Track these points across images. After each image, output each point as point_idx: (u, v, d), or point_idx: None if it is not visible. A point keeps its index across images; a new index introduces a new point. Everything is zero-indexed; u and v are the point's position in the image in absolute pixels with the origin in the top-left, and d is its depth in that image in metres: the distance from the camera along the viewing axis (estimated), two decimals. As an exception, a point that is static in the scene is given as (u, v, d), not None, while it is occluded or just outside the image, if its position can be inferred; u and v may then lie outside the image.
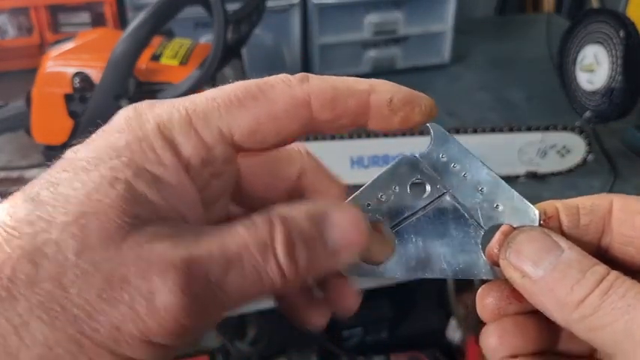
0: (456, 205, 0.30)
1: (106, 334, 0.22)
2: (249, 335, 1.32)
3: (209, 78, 0.79)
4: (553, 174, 0.91)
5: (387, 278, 0.29)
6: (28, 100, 0.80)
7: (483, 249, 0.29)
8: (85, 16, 1.21)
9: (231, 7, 0.82)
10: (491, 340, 0.30)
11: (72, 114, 0.78)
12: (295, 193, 0.30)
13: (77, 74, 0.77)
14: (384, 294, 1.36)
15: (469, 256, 0.30)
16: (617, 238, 0.29)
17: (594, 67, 0.94)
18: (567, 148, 0.89)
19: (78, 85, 0.77)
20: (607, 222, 0.29)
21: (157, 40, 0.83)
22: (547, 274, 0.27)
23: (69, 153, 0.26)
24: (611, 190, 0.91)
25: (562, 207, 0.30)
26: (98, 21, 1.20)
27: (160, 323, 0.22)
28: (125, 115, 0.26)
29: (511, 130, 0.87)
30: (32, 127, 0.81)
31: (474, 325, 1.18)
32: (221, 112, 0.26)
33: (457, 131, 0.87)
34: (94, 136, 0.26)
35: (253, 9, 0.87)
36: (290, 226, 0.25)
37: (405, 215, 0.30)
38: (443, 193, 0.30)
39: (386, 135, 0.85)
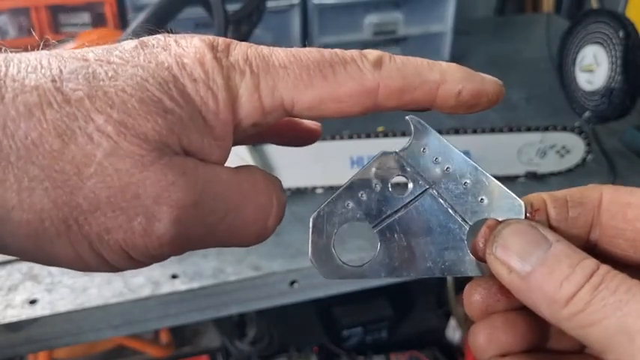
0: (440, 200, 0.29)
1: (96, 231, 0.23)
2: (249, 335, 1.32)
3: (209, 78, 0.79)
4: (553, 174, 0.91)
5: (371, 279, 0.28)
6: (29, 100, 0.80)
7: (469, 245, 0.29)
8: (85, 17, 1.21)
9: (231, 7, 0.82)
10: (480, 338, 0.29)
11: (72, 114, 0.78)
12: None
13: (77, 74, 0.77)
14: (384, 294, 1.36)
15: (455, 253, 0.29)
16: (607, 231, 0.28)
17: (594, 68, 0.95)
18: (567, 148, 0.89)
19: (78, 85, 0.77)
20: (596, 214, 0.28)
21: (157, 41, 0.84)
22: (535, 270, 0.25)
23: (136, 44, 0.26)
24: (610, 190, 0.91)
25: (550, 199, 0.29)
26: (98, 21, 1.20)
27: (147, 245, 0.23)
28: (208, 43, 0.26)
29: (511, 130, 0.87)
30: (32, 127, 0.81)
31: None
32: (289, 85, 0.26)
33: (457, 131, 0.87)
34: (168, 40, 0.26)
35: (253, 9, 0.87)
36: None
37: (388, 213, 0.29)
38: (425, 189, 0.29)
39: (386, 135, 0.85)
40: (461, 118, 1.09)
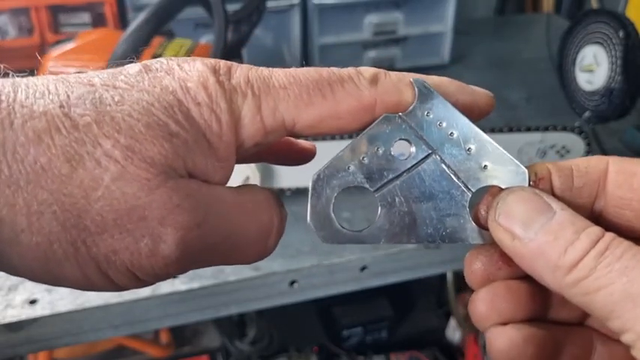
0: (443, 166, 0.28)
1: (103, 252, 0.23)
2: (249, 335, 1.32)
3: (209, 78, 0.79)
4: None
5: (370, 244, 0.28)
6: (29, 101, 0.80)
7: (471, 212, 0.28)
8: (85, 17, 1.21)
9: (231, 7, 0.82)
10: (481, 305, 0.29)
11: (72, 114, 0.78)
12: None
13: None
14: (383, 294, 1.36)
15: (456, 220, 0.28)
16: (612, 201, 0.28)
17: (594, 68, 0.95)
18: (567, 148, 0.89)
19: (78, 85, 0.77)
20: (602, 184, 0.28)
21: (157, 41, 0.84)
22: (538, 236, 0.25)
23: (140, 68, 0.26)
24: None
25: (554, 168, 0.28)
26: (98, 21, 1.20)
27: (153, 266, 0.24)
28: (210, 67, 0.26)
29: (511, 130, 0.88)
30: (32, 127, 0.81)
31: (474, 325, 1.18)
32: (289, 105, 0.27)
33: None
34: (171, 64, 0.26)
35: (253, 9, 0.87)
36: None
37: (389, 178, 0.28)
38: (428, 154, 0.28)
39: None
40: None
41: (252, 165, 0.81)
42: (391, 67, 1.27)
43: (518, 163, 0.28)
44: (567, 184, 0.28)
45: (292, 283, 0.77)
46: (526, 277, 0.27)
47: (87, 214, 0.23)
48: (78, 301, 0.72)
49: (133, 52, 0.75)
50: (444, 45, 1.26)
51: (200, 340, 1.42)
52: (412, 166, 0.28)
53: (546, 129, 0.88)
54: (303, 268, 0.76)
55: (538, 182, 0.28)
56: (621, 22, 0.90)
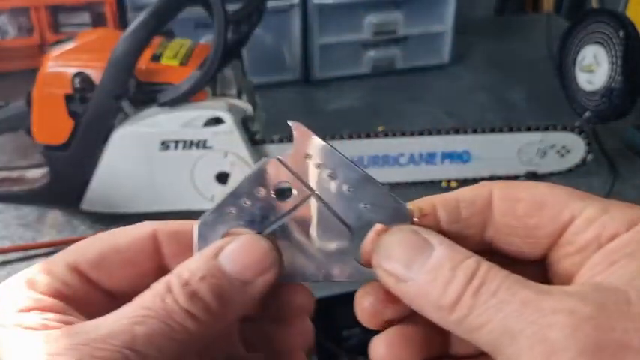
0: (323, 207, 0.28)
1: None
2: (249, 335, 1.32)
3: (209, 78, 0.79)
4: (553, 174, 0.91)
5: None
6: (29, 101, 0.80)
7: (355, 251, 0.28)
8: (85, 17, 1.21)
9: (231, 7, 0.82)
10: (380, 352, 0.29)
11: (72, 114, 0.78)
12: None
13: (77, 74, 0.77)
14: (383, 294, 1.36)
15: (341, 259, 0.29)
16: (500, 229, 0.28)
17: (594, 68, 0.94)
18: (567, 148, 0.89)
19: (78, 85, 0.77)
20: (488, 213, 0.28)
21: (157, 41, 0.83)
22: (419, 276, 0.25)
23: None
24: (611, 191, 0.91)
25: (440, 202, 0.28)
26: (98, 21, 1.20)
27: None
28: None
29: (511, 130, 0.87)
30: (32, 127, 0.81)
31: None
32: (69, 251, 0.28)
33: (457, 131, 0.87)
34: None
35: (253, 9, 0.87)
36: (185, 273, 0.26)
37: (271, 220, 0.28)
38: (308, 195, 0.28)
39: (386, 135, 0.85)
40: (461, 118, 1.09)
41: (252, 165, 0.81)
42: (391, 68, 1.27)
43: (400, 201, 0.28)
44: (454, 217, 0.28)
45: (292, 283, 0.77)
46: (419, 316, 0.27)
47: None
48: (78, 301, 0.72)
49: (134, 52, 0.75)
50: (444, 45, 1.26)
51: None
52: (293, 208, 0.28)
53: (546, 129, 0.88)
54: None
55: (423, 219, 0.28)
56: (621, 22, 0.89)
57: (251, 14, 0.86)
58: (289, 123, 0.28)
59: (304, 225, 0.29)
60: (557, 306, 0.23)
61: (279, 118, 1.00)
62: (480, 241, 0.28)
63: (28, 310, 0.26)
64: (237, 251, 0.27)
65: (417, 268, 0.25)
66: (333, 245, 0.28)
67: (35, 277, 0.28)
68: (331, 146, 0.28)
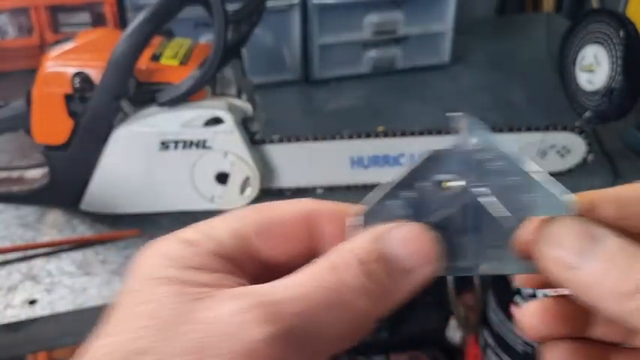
0: (486, 198, 0.28)
1: None
2: (249, 335, 1.32)
3: (209, 78, 0.79)
4: (553, 174, 0.90)
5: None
6: (28, 100, 0.80)
7: (515, 243, 0.28)
8: (85, 16, 1.21)
9: (231, 7, 0.82)
10: (532, 320, 0.30)
11: (72, 114, 0.78)
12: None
13: (77, 74, 0.77)
14: (384, 294, 1.36)
15: (501, 251, 0.28)
16: None
17: (594, 68, 0.94)
18: (567, 148, 0.89)
19: (78, 85, 0.77)
20: None
21: (157, 40, 0.83)
22: (593, 264, 0.25)
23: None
24: (611, 190, 0.91)
25: (602, 198, 0.28)
26: (98, 21, 1.20)
27: None
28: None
29: (511, 130, 0.87)
30: (32, 127, 0.81)
31: (474, 325, 1.18)
32: (230, 217, 0.28)
33: (457, 131, 0.87)
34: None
35: (253, 9, 0.87)
36: (359, 252, 0.26)
37: (435, 212, 0.28)
38: (472, 186, 0.28)
39: (386, 135, 0.85)
40: (461, 118, 1.09)
41: (252, 165, 0.81)
42: (391, 67, 1.27)
43: (566, 192, 0.28)
44: (615, 213, 0.28)
45: (292, 283, 0.77)
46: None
47: None
48: (78, 301, 0.72)
49: (133, 51, 0.75)
50: (444, 45, 1.26)
51: None
52: (456, 200, 0.28)
53: (547, 129, 0.87)
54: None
55: (585, 213, 0.28)
56: (622, 21, 0.89)
57: (251, 14, 0.86)
58: (453, 115, 0.28)
59: (464, 217, 0.28)
60: None
61: (279, 118, 1.00)
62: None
63: (194, 267, 0.26)
64: (408, 237, 0.27)
65: (590, 256, 0.25)
66: (493, 237, 0.28)
67: (197, 238, 0.27)
68: (496, 137, 0.28)
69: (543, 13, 1.53)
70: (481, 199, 0.28)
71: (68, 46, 0.81)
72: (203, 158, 0.80)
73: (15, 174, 0.90)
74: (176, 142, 0.79)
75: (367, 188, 0.86)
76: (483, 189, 0.28)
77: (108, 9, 1.18)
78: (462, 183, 0.28)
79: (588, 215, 0.28)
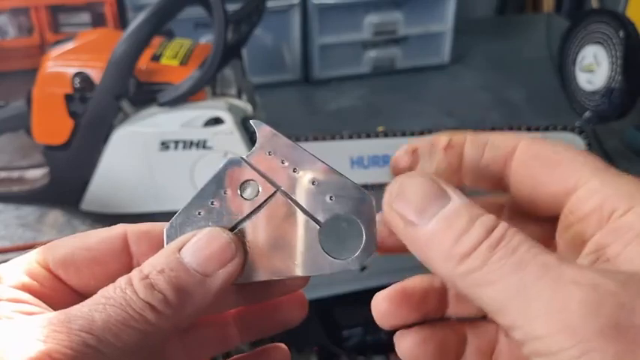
0: (289, 202, 0.29)
1: None
2: (249, 335, 1.32)
3: (209, 78, 0.79)
4: (553, 174, 0.91)
5: (237, 284, 0.29)
6: (29, 100, 0.80)
7: (322, 244, 0.29)
8: (85, 16, 1.21)
9: (231, 7, 0.82)
10: (381, 306, 0.30)
11: (72, 114, 0.78)
12: None
13: (77, 74, 0.77)
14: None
15: (311, 253, 0.29)
16: (517, 180, 0.28)
17: (594, 68, 0.94)
18: (567, 148, 0.89)
19: (78, 85, 0.77)
20: (509, 162, 0.28)
21: (157, 41, 0.83)
22: (432, 223, 0.24)
23: None
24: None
25: (470, 139, 0.28)
26: (98, 21, 1.20)
27: None
28: None
29: (511, 130, 0.87)
30: (32, 127, 0.81)
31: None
32: (40, 250, 0.30)
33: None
34: None
35: (253, 9, 0.87)
36: (145, 268, 0.27)
37: (239, 219, 0.29)
38: (274, 192, 0.29)
39: (386, 134, 0.85)
40: (461, 118, 1.09)
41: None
42: (391, 67, 1.27)
43: (364, 190, 0.29)
44: (477, 155, 0.28)
45: (292, 283, 0.77)
46: (419, 277, 0.27)
47: None
48: (78, 301, 0.72)
49: (134, 51, 0.75)
50: (444, 45, 1.26)
51: None
52: (259, 206, 0.29)
53: (546, 129, 0.87)
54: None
55: (449, 149, 0.28)
56: (621, 22, 0.89)
57: (251, 14, 0.86)
58: (251, 122, 0.29)
59: (272, 221, 0.29)
60: (580, 278, 0.22)
61: (279, 118, 1.00)
62: (495, 188, 0.29)
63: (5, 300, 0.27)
64: (198, 244, 0.27)
65: (430, 215, 0.25)
66: (301, 239, 0.29)
67: (4, 272, 0.29)
68: (294, 142, 0.29)
69: (543, 13, 1.53)
70: (282, 203, 0.29)
71: (68, 46, 0.81)
72: (203, 158, 0.80)
73: (15, 174, 0.90)
74: (176, 142, 0.80)
75: (367, 188, 0.86)
76: (285, 193, 0.29)
77: (108, 9, 1.18)
78: (261, 189, 0.29)
79: (454, 153, 0.28)
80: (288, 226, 0.29)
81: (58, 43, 0.83)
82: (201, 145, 0.80)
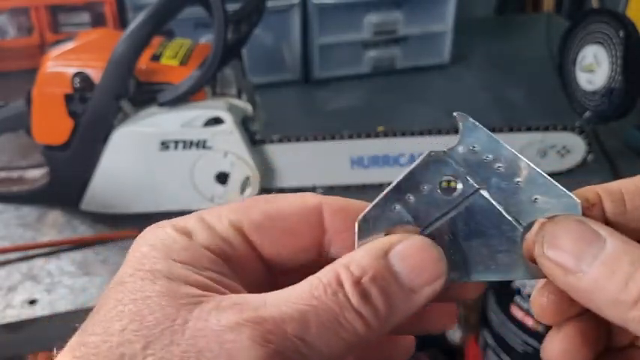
0: (491, 201, 0.27)
1: None
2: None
3: (209, 78, 0.79)
4: (553, 174, 0.90)
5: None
6: (28, 100, 0.80)
7: (522, 247, 0.27)
8: (85, 16, 1.21)
9: (231, 7, 0.82)
10: (557, 347, 0.27)
11: (72, 114, 0.78)
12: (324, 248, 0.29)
13: (77, 74, 0.77)
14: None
15: (508, 256, 0.27)
16: None
17: (594, 68, 0.94)
18: (567, 148, 0.89)
19: (78, 85, 0.77)
20: None
21: (157, 41, 0.83)
22: (593, 270, 0.23)
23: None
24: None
25: (604, 192, 0.27)
26: (98, 21, 1.20)
27: None
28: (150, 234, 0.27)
29: (511, 130, 0.87)
30: (32, 127, 0.81)
31: (474, 325, 1.18)
32: (231, 209, 0.27)
33: (457, 131, 0.87)
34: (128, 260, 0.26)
35: (253, 9, 0.87)
36: (355, 270, 0.24)
37: (437, 216, 0.27)
38: (476, 190, 0.27)
39: (386, 134, 0.85)
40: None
41: (252, 165, 0.81)
42: (391, 67, 1.27)
43: (570, 193, 0.27)
44: (620, 209, 0.26)
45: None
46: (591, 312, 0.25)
47: None
48: (78, 301, 0.72)
49: (133, 51, 0.75)
50: (444, 45, 1.26)
51: None
52: (459, 203, 0.27)
53: (546, 129, 0.87)
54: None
55: (591, 209, 0.26)
56: (622, 21, 0.89)
57: (251, 14, 0.86)
58: (455, 114, 0.27)
59: (470, 220, 0.27)
60: None
61: (279, 118, 1.00)
62: None
63: (183, 262, 0.25)
64: (409, 254, 0.25)
65: (588, 261, 0.24)
66: (499, 241, 0.27)
67: (193, 228, 0.26)
68: (498, 139, 0.27)
69: (543, 13, 1.53)
70: (483, 202, 0.27)
71: (68, 46, 0.81)
72: (203, 158, 0.80)
73: (15, 174, 0.90)
74: (176, 142, 0.79)
75: (367, 188, 0.86)
76: (487, 192, 0.27)
77: (108, 9, 1.18)
78: (462, 185, 0.27)
79: (591, 211, 0.26)
80: (486, 226, 0.27)
81: (57, 43, 0.83)
82: (201, 145, 0.80)
